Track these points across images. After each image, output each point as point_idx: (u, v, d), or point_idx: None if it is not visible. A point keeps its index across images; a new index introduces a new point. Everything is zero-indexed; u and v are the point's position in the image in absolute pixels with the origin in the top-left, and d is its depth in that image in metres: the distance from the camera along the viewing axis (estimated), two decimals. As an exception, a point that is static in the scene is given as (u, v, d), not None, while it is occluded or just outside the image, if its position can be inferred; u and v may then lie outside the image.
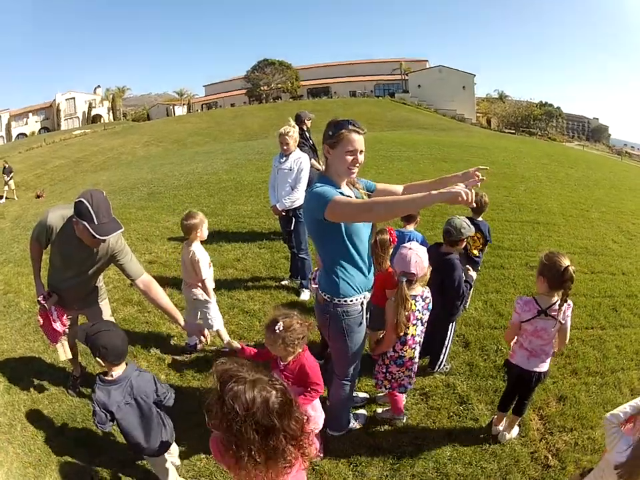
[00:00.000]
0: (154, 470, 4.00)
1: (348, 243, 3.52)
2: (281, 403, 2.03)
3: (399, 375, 4.39)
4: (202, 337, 4.18)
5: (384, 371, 4.41)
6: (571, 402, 5.09)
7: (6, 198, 24.72)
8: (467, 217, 6.17)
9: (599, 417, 4.83)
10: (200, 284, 5.64)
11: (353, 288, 3.65)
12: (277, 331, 3.46)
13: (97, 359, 3.43)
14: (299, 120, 9.49)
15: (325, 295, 3.75)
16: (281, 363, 3.75)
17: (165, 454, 3.88)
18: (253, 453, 1.99)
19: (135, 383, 3.55)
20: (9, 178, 25.21)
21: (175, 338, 6.36)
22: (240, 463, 2.02)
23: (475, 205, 2.70)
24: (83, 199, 3.85)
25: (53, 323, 4.52)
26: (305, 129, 9.63)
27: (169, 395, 3.77)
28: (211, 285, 5.73)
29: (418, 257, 3.97)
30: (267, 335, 3.57)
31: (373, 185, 3.95)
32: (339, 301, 3.66)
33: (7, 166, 25.78)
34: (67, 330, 4.70)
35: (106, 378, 3.48)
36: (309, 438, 2.19)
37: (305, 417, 2.19)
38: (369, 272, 3.77)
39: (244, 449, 2.00)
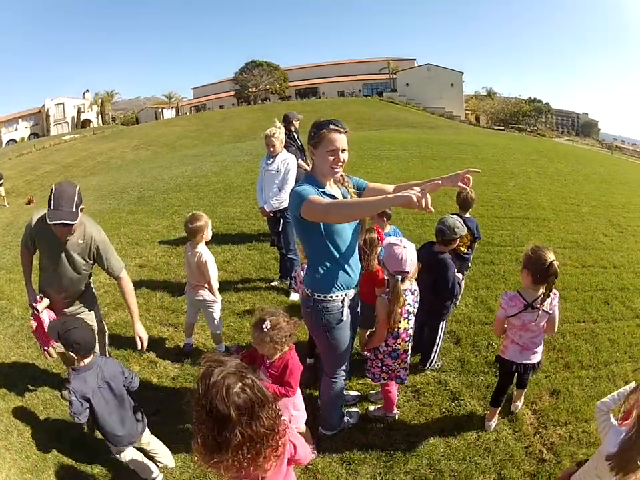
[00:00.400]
0: (132, 466, 4.07)
1: (327, 241, 3.56)
2: (245, 399, 2.01)
3: (394, 367, 4.39)
4: (142, 343, 4.57)
5: (379, 365, 4.41)
6: (564, 396, 5.08)
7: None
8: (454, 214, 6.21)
9: (593, 410, 4.82)
10: (207, 285, 5.67)
11: (332, 284, 3.68)
12: (265, 329, 3.48)
13: (70, 353, 3.65)
14: (287, 120, 9.47)
15: (307, 290, 3.81)
16: (267, 361, 3.77)
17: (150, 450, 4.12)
18: (206, 438, 2.00)
19: (104, 367, 3.80)
20: None
21: (167, 341, 6.33)
22: (195, 446, 2.06)
23: (431, 210, 2.67)
24: (52, 187, 4.10)
25: (44, 326, 4.49)
26: (293, 130, 9.59)
27: (133, 377, 4.02)
28: (216, 285, 5.74)
29: (411, 255, 3.98)
30: (255, 333, 3.58)
31: (364, 184, 3.93)
32: (319, 296, 3.71)
33: None
34: None
35: (79, 367, 3.68)
36: (276, 446, 2.16)
37: (278, 426, 2.17)
38: (353, 270, 3.77)
39: (198, 431, 2.02)
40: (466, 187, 3.27)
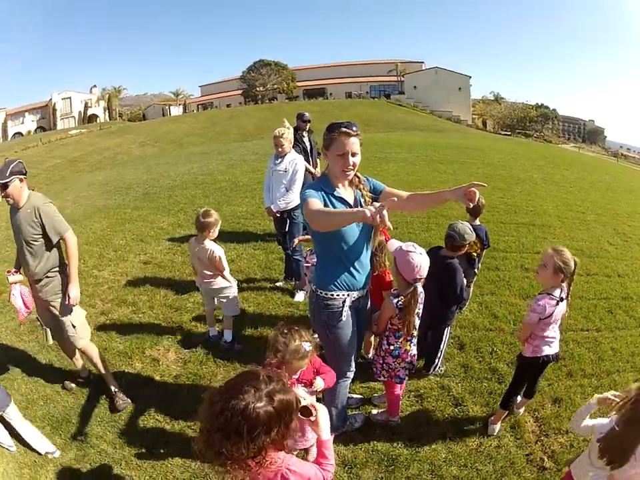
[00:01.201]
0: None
1: (332, 241, 3.60)
2: (267, 413, 2.00)
3: (394, 366, 4.40)
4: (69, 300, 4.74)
5: (381, 362, 4.44)
6: (566, 404, 5.07)
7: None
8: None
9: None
10: (220, 275, 5.79)
11: (334, 283, 3.72)
12: (306, 350, 3.32)
13: None
14: (302, 119, 9.62)
15: (312, 286, 3.91)
16: (298, 375, 3.60)
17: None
18: (213, 443, 2.00)
19: None
20: None
21: (170, 339, 6.33)
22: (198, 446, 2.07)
23: (388, 226, 2.66)
24: None
25: (12, 297, 4.85)
26: (305, 130, 9.65)
27: None
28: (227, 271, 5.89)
29: (426, 260, 4.05)
30: (287, 356, 3.29)
31: (381, 187, 3.93)
32: (320, 292, 3.78)
33: None
34: (30, 310, 5.03)
35: None
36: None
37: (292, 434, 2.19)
38: (359, 272, 3.78)
39: (207, 436, 2.03)
40: (470, 203, 3.19)
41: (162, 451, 4.46)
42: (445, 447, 4.45)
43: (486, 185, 3.21)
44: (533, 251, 9.66)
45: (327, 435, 2.54)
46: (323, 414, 2.53)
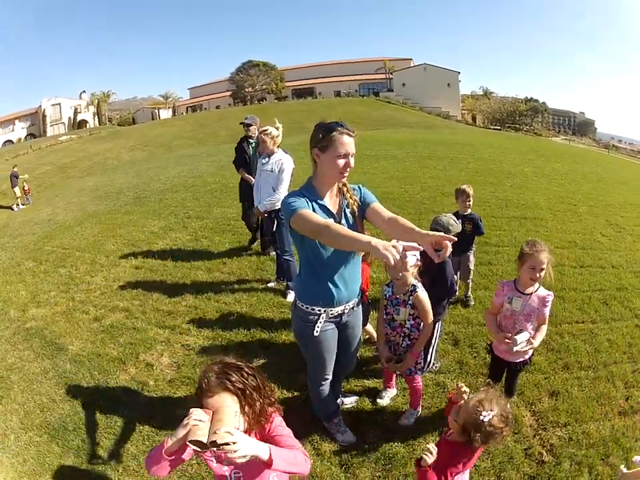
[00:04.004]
0: None
1: (310, 254, 3.48)
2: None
3: (395, 339, 4.50)
4: None
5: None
6: (563, 397, 5.05)
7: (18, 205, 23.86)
8: (455, 212, 6.34)
9: (593, 411, 4.83)
10: None
11: (309, 297, 3.63)
12: None
13: None
14: (248, 125, 8.93)
15: (294, 292, 3.87)
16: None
17: None
18: None
19: None
20: (15, 184, 24.30)
21: (163, 343, 6.29)
22: None
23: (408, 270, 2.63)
24: None
25: None
26: (253, 135, 8.90)
27: None
28: None
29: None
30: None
31: (371, 200, 3.62)
32: (299, 303, 3.68)
33: (14, 171, 24.95)
34: None
35: None
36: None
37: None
38: (339, 287, 3.61)
39: None
40: (437, 256, 3.01)
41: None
42: (442, 444, 4.42)
43: (451, 243, 2.89)
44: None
45: (263, 452, 2.14)
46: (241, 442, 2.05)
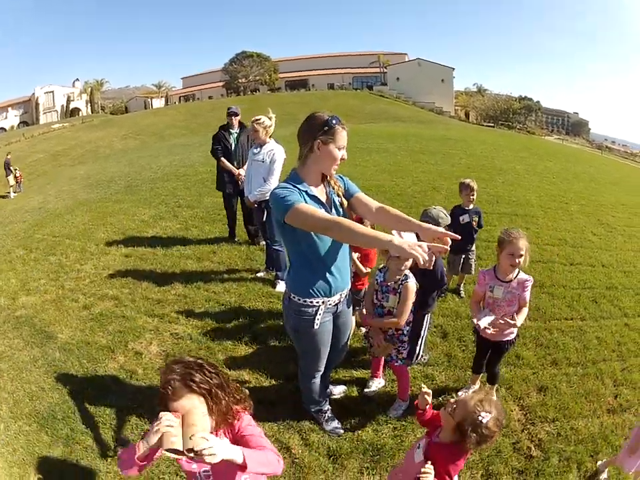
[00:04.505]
0: None
1: (305, 248, 3.43)
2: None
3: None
4: None
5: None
6: (552, 392, 5.07)
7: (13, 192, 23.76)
8: (458, 205, 6.87)
9: (581, 407, 4.85)
10: None
11: (308, 290, 3.57)
12: None
13: None
14: (228, 114, 9.10)
15: (286, 288, 3.79)
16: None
17: None
18: None
19: None
20: (8, 173, 24.06)
21: (152, 332, 6.28)
22: None
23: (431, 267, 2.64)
24: None
25: None
26: (234, 126, 9.08)
27: None
28: None
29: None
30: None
31: (354, 190, 3.68)
32: (294, 297, 3.63)
33: (7, 159, 24.76)
34: None
35: None
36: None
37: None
38: (335, 276, 3.60)
39: None
40: (441, 250, 3.01)
41: (147, 444, 4.39)
42: (430, 436, 4.42)
43: (448, 247, 2.92)
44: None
45: (237, 456, 2.10)
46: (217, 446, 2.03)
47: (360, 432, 4.47)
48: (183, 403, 2.15)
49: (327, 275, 3.55)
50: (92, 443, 4.44)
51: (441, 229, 2.99)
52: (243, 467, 2.10)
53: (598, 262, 9.19)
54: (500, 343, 4.56)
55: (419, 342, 5.15)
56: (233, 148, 8.91)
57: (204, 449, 1.96)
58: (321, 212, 3.18)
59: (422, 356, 5.37)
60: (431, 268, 2.71)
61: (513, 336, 4.55)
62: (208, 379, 2.25)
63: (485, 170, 17.66)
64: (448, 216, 5.10)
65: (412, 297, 4.34)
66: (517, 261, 4.22)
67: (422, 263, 2.51)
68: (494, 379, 4.86)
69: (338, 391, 4.96)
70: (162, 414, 2.10)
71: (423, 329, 5.17)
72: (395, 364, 4.60)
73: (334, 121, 3.26)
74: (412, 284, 4.32)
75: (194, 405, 2.17)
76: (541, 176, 18.13)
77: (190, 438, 2.00)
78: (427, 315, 5.16)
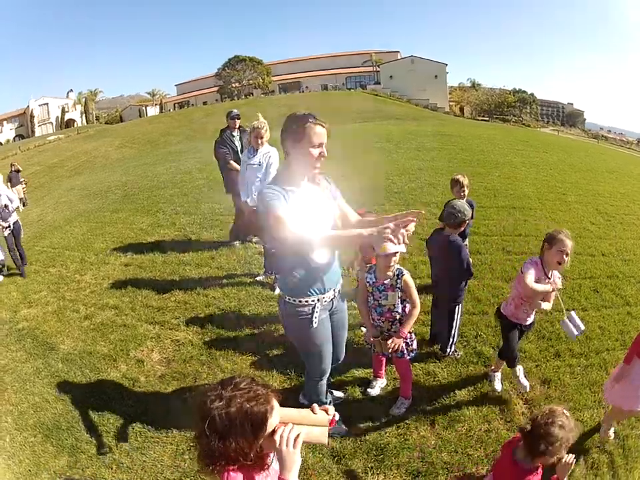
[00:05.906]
0: None
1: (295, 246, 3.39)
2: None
3: (382, 324, 4.50)
4: None
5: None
6: (555, 384, 5.07)
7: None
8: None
9: (586, 398, 4.84)
10: None
11: (302, 289, 3.58)
12: None
13: None
14: (230, 117, 9.25)
15: (280, 291, 3.80)
16: None
17: None
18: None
19: None
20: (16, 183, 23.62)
21: (154, 339, 6.28)
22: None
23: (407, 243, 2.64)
24: None
25: None
26: (235, 128, 9.28)
27: None
28: None
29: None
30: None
31: (336, 195, 3.74)
32: (289, 299, 3.63)
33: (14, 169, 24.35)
34: None
35: None
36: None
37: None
38: (326, 273, 3.62)
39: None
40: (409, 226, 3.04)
41: (152, 452, 4.41)
42: (433, 433, 4.42)
43: (423, 211, 3.15)
44: (514, 233, 9.69)
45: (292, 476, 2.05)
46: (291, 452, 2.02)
47: (363, 432, 4.48)
48: (277, 413, 2.05)
49: (320, 272, 3.56)
50: (97, 451, 4.47)
51: (405, 212, 3.14)
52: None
53: (598, 251, 9.16)
54: (527, 325, 4.84)
55: (452, 332, 5.21)
56: (239, 149, 9.07)
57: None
58: (297, 232, 3.18)
59: (455, 350, 5.40)
60: (407, 243, 2.71)
61: (533, 318, 4.87)
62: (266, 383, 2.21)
63: (482, 164, 17.60)
64: (469, 208, 5.20)
65: (414, 286, 4.39)
66: (564, 258, 4.36)
67: (396, 241, 2.57)
68: (515, 359, 4.93)
69: (335, 399, 4.90)
70: (282, 427, 2.03)
71: (455, 319, 5.25)
72: (407, 357, 4.56)
73: (306, 120, 3.28)
74: (408, 276, 4.37)
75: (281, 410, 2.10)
76: (538, 168, 18.05)
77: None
78: (457, 306, 5.25)
